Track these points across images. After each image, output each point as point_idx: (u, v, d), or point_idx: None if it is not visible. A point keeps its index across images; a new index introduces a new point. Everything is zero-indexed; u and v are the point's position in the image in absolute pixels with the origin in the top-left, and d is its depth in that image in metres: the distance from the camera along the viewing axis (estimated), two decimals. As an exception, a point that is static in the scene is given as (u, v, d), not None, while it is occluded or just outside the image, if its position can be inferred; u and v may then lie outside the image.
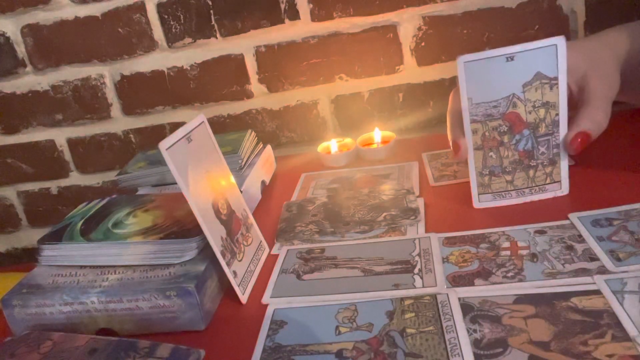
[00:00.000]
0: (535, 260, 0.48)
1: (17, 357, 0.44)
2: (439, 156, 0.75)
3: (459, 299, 0.45)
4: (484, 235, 0.53)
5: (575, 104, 0.57)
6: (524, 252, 0.50)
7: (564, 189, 0.58)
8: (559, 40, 0.53)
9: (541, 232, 0.52)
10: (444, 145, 0.74)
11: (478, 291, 0.45)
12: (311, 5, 0.85)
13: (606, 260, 0.46)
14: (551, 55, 0.53)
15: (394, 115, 0.90)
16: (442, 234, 0.55)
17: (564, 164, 0.57)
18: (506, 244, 0.51)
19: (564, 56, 0.53)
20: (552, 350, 0.38)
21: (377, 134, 0.82)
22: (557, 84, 0.54)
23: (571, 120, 0.56)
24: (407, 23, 0.84)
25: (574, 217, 0.53)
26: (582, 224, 0.51)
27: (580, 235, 0.50)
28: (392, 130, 0.83)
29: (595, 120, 0.55)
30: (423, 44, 0.85)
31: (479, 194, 0.58)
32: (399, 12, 0.84)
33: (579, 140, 0.54)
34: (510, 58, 0.53)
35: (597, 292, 0.42)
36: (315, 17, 0.86)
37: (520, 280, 0.46)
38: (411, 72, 0.87)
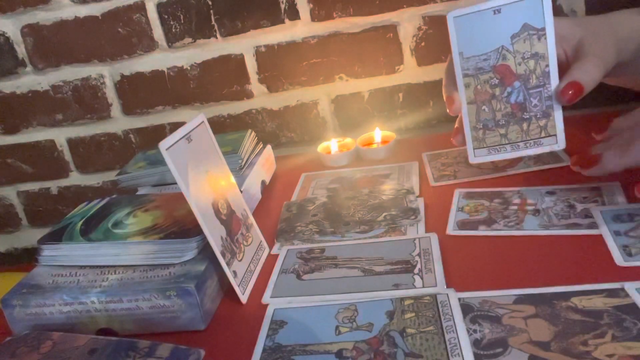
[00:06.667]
0: (537, 214, 0.55)
1: (17, 357, 0.44)
2: (439, 156, 0.75)
3: (459, 299, 0.45)
4: (500, 192, 0.60)
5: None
6: (530, 207, 0.56)
7: (559, 142, 0.55)
8: None
9: (551, 193, 0.58)
10: (444, 145, 0.74)
11: (478, 292, 0.45)
12: (311, 5, 0.85)
13: (617, 255, 0.46)
14: (537, 6, 0.53)
15: (394, 115, 0.90)
16: (463, 189, 0.62)
17: (558, 117, 0.55)
18: (517, 200, 0.58)
19: (549, 7, 0.53)
20: (552, 350, 0.38)
21: (377, 134, 0.82)
22: (544, 34, 0.54)
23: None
24: (407, 23, 0.84)
25: (596, 208, 0.53)
26: (603, 217, 0.52)
27: (585, 197, 0.55)
28: (392, 130, 0.83)
29: (588, 71, 0.53)
30: (423, 44, 0.85)
31: (474, 149, 0.58)
32: (399, 12, 0.84)
33: (571, 91, 0.53)
34: (497, 11, 0.54)
35: (597, 292, 0.42)
36: (315, 17, 0.86)
37: (518, 229, 0.53)
38: (411, 72, 0.87)
